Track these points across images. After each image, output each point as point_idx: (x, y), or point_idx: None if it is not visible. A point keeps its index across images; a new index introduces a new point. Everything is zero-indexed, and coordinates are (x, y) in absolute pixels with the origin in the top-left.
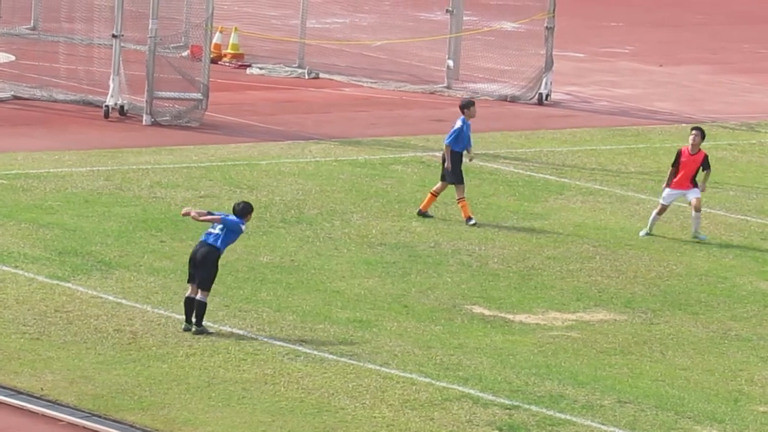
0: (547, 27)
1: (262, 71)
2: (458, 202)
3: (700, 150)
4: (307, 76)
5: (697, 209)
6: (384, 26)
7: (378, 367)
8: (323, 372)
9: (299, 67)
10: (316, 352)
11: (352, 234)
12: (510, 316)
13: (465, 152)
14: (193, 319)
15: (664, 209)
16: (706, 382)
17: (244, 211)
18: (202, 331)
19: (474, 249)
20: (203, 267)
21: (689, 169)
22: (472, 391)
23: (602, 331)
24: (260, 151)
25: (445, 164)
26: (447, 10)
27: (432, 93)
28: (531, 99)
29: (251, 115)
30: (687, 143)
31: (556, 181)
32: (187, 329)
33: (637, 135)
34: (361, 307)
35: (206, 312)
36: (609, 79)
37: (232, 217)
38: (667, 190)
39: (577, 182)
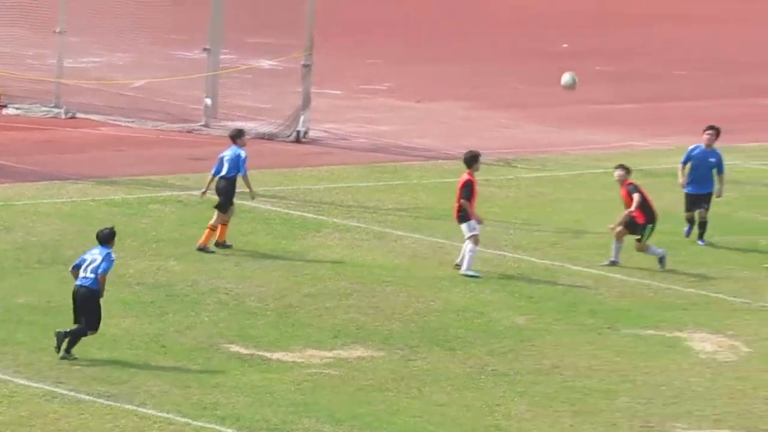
0: (303, 65)
1: (19, 111)
2: (211, 228)
3: None
4: (63, 116)
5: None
6: (141, 65)
7: (135, 407)
8: (80, 413)
9: (56, 106)
10: (72, 393)
11: (109, 274)
12: (268, 354)
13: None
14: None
15: None
16: (464, 418)
17: (108, 237)
18: (68, 357)
19: (231, 287)
20: (87, 311)
21: None
22: (229, 430)
23: (360, 368)
24: (16, 192)
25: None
26: (204, 49)
27: (190, 131)
28: (289, 137)
29: (7, 156)
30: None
31: (314, 218)
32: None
33: (395, 171)
34: (118, 347)
35: None
36: (367, 116)
37: (103, 252)
38: None
39: (335, 219)
